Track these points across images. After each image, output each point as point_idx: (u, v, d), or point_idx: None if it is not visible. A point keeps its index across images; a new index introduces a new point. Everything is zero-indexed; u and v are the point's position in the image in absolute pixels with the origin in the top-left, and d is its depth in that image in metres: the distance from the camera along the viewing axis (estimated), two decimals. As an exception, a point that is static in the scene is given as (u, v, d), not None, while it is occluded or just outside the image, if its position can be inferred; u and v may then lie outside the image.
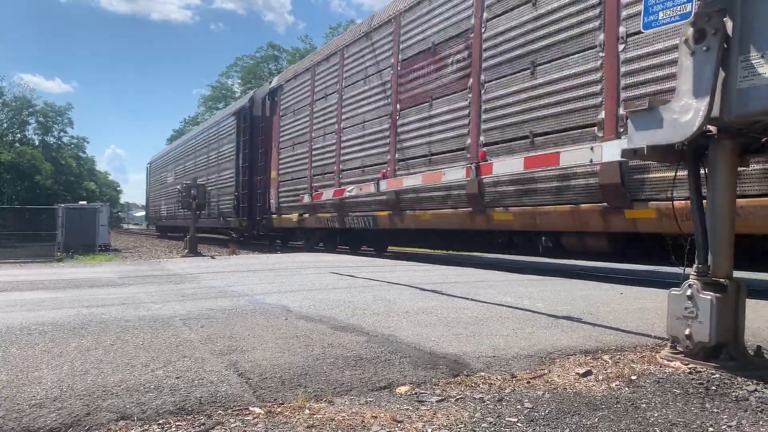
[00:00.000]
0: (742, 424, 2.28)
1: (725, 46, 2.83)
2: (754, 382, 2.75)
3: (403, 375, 2.89)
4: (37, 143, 65.38)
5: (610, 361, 3.19)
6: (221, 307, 4.94)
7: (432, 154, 9.98)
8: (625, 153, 3.18)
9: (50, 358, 3.05)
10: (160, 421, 2.25)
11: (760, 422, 2.30)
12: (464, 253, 14.56)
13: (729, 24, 2.84)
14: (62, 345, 3.38)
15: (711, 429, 2.23)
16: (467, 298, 5.56)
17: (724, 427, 2.26)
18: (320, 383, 2.74)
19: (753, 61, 2.75)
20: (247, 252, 18.85)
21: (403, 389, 2.69)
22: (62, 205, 27.50)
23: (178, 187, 21.52)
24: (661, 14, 2.90)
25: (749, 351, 3.10)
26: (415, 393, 2.64)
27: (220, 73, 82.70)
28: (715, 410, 2.44)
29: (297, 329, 3.92)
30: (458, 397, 2.59)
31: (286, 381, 2.75)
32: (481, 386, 2.75)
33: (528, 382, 2.81)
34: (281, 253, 15.81)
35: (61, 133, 69.16)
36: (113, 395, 2.47)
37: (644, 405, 2.49)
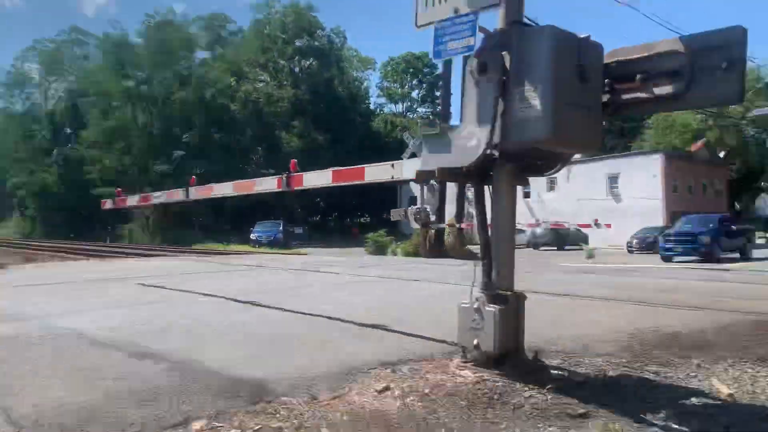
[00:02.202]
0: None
1: (504, 78, 3.06)
2: (530, 387, 3.02)
3: (202, 407, 2.76)
4: None
5: (408, 372, 3.32)
6: (1, 335, 4.37)
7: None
8: (419, 174, 3.33)
9: None
10: None
11: (532, 430, 2.52)
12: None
13: (508, 58, 3.07)
14: None
15: (489, 439, 2.41)
16: (283, 309, 5.48)
17: (502, 435, 2.45)
18: (107, 425, 2.53)
19: (527, 94, 3.00)
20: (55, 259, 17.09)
21: (198, 425, 2.57)
22: None
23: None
24: (449, 45, 3.08)
25: (529, 356, 3.39)
26: (212, 428, 2.54)
27: (16, 57, 72.47)
28: (496, 420, 2.63)
29: (88, 360, 3.59)
30: (256, 428, 2.54)
31: (66, 428, 2.50)
32: (281, 413, 2.71)
33: (328, 404, 2.82)
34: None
35: None
36: None
37: (434, 420, 2.62)
